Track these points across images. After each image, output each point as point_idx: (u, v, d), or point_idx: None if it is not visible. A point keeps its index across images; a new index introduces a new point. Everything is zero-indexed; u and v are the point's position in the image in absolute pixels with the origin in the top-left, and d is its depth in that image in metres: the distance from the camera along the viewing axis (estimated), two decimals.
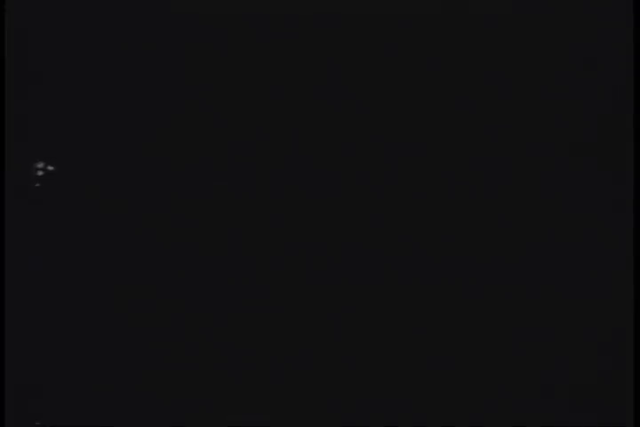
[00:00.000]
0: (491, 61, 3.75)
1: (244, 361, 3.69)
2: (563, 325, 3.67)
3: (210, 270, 3.73)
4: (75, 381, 3.67)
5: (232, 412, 3.66)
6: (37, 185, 3.71)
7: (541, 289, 3.68)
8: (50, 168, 3.72)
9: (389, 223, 3.74)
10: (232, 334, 3.70)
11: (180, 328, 3.70)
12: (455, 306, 3.69)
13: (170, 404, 3.65)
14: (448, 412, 3.63)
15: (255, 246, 3.75)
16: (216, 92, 3.77)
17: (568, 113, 3.75)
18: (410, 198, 3.74)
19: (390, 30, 3.76)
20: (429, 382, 3.65)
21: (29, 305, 3.68)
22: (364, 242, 3.73)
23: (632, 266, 3.61)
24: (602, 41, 3.73)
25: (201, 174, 3.75)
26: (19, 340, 3.67)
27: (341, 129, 3.76)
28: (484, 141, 3.74)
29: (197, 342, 3.69)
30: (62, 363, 3.68)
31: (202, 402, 3.66)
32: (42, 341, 3.69)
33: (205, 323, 3.71)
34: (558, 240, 3.71)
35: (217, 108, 3.77)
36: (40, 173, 3.71)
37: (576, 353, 3.65)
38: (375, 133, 3.75)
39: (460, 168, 3.74)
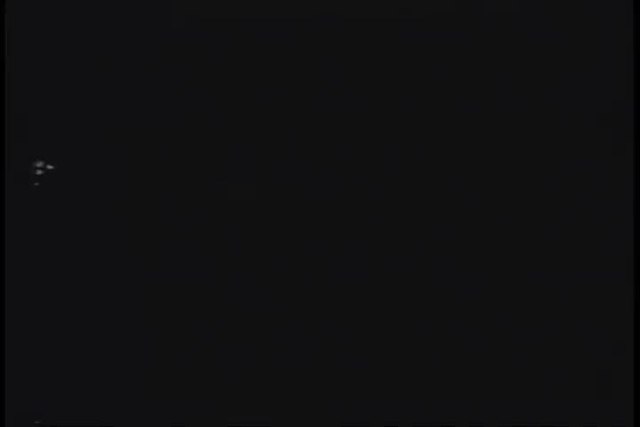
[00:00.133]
0: (490, 61, 3.75)
1: (244, 361, 3.69)
2: (562, 324, 3.67)
3: (210, 270, 3.73)
4: (75, 381, 3.67)
5: (232, 412, 3.66)
6: (36, 184, 3.71)
7: (541, 289, 3.69)
8: (49, 167, 3.71)
9: (389, 224, 3.74)
10: (232, 334, 3.70)
11: (180, 328, 3.70)
12: (455, 306, 3.69)
13: (170, 404, 3.65)
14: (448, 412, 3.63)
15: (255, 246, 3.75)
16: (216, 93, 3.77)
17: (568, 113, 3.75)
18: (410, 199, 3.74)
19: (390, 31, 3.75)
20: (429, 381, 3.65)
21: (29, 305, 3.68)
22: (364, 243, 3.73)
23: (632, 266, 3.62)
24: (602, 41, 3.74)
25: (201, 174, 3.75)
26: (18, 340, 3.66)
27: (342, 130, 3.76)
28: (484, 142, 3.75)
29: (197, 342, 3.69)
30: (62, 363, 3.67)
31: (202, 402, 3.66)
32: (41, 341, 3.68)
33: (205, 323, 3.70)
34: (558, 240, 3.71)
35: (217, 108, 3.77)
36: (39, 172, 3.71)
37: (576, 353, 3.65)
38: (376, 135, 3.75)
39: (459, 168, 3.74)
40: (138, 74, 3.75)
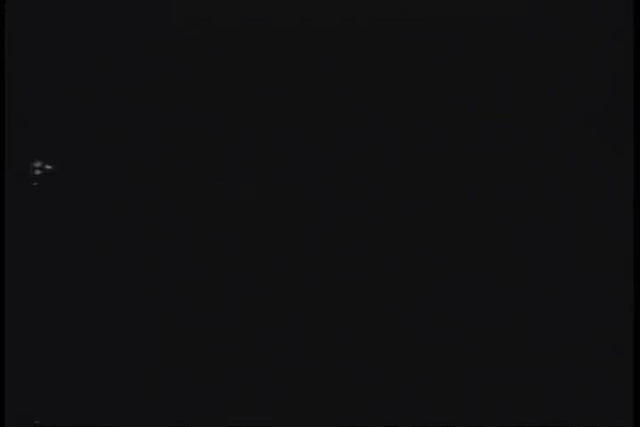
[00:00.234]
0: (489, 61, 3.75)
1: (244, 361, 3.69)
2: (563, 324, 3.68)
3: (209, 270, 3.73)
4: (75, 380, 3.66)
5: (232, 412, 3.66)
6: (35, 184, 3.71)
7: (541, 289, 3.69)
8: (48, 167, 3.71)
9: (389, 224, 3.74)
10: (232, 333, 3.70)
11: (180, 328, 3.69)
12: (454, 306, 3.69)
13: (170, 404, 3.65)
14: (448, 412, 3.63)
15: (255, 246, 3.75)
16: (216, 93, 3.76)
17: (567, 113, 3.75)
18: (410, 198, 3.74)
19: (390, 31, 3.75)
20: (429, 381, 3.65)
21: (29, 305, 3.68)
22: (364, 243, 3.73)
23: (632, 266, 3.62)
24: (602, 41, 3.74)
25: (201, 174, 3.74)
26: (18, 340, 3.66)
27: (341, 130, 3.76)
28: (484, 142, 3.75)
29: (197, 342, 3.69)
30: (62, 362, 3.67)
31: (202, 402, 3.66)
32: (41, 340, 3.68)
33: (205, 323, 3.70)
34: (558, 240, 3.71)
35: (217, 108, 3.77)
36: (38, 172, 3.70)
37: (576, 353, 3.66)
38: (376, 135, 3.75)
39: (459, 167, 3.74)
40: (138, 74, 3.74)
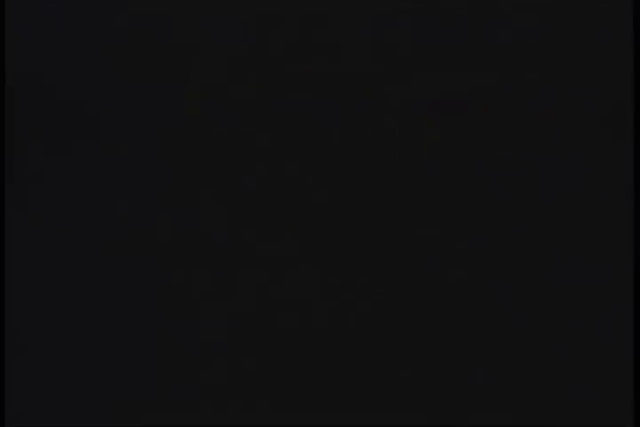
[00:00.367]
0: (488, 61, 3.75)
1: (244, 361, 3.69)
2: (563, 324, 3.67)
3: (209, 270, 3.73)
4: (74, 380, 3.67)
5: (232, 411, 3.66)
6: (35, 184, 3.71)
7: (541, 289, 3.68)
8: (48, 167, 3.71)
9: (389, 224, 3.74)
10: (231, 333, 3.70)
11: (180, 328, 3.70)
12: (454, 306, 3.69)
13: (169, 404, 3.65)
14: (448, 412, 3.63)
15: (254, 246, 3.75)
16: (215, 92, 3.76)
17: (567, 113, 3.75)
18: (410, 199, 3.74)
19: (389, 31, 3.75)
20: (429, 381, 3.65)
21: (29, 305, 3.68)
22: (363, 243, 3.73)
23: (632, 266, 3.61)
24: (602, 40, 3.74)
25: (201, 174, 3.75)
26: (18, 340, 3.66)
27: (341, 130, 3.76)
28: (484, 141, 3.75)
29: (197, 342, 3.69)
30: (61, 363, 3.67)
31: (202, 402, 3.66)
32: (41, 341, 3.68)
33: (205, 322, 3.70)
34: (558, 240, 3.71)
35: (216, 108, 3.77)
36: (38, 172, 3.71)
37: (576, 353, 3.65)
38: (377, 135, 3.75)
39: (459, 167, 3.73)
40: (138, 73, 3.75)
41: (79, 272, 3.70)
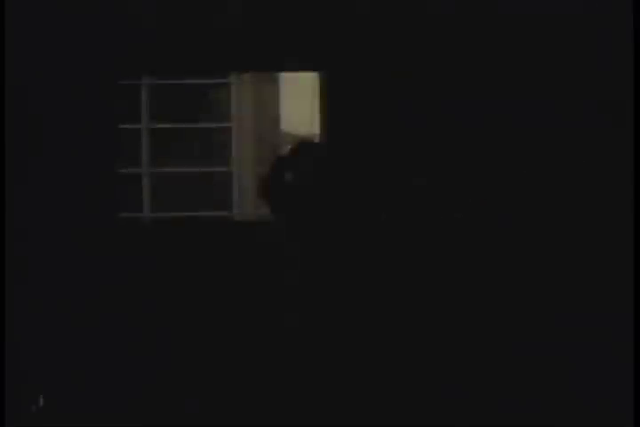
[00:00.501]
0: (488, 61, 3.76)
1: (244, 361, 3.70)
2: (563, 324, 3.68)
3: (208, 269, 3.73)
4: (74, 380, 3.67)
5: (231, 411, 3.67)
6: (35, 183, 3.72)
7: (541, 289, 3.69)
8: (48, 167, 3.72)
9: (390, 224, 3.74)
10: (231, 333, 3.71)
11: (180, 327, 3.70)
12: (454, 305, 3.70)
13: (170, 404, 3.66)
14: (448, 412, 3.64)
15: (255, 245, 3.75)
16: (215, 92, 3.77)
17: (567, 113, 3.75)
18: (411, 198, 3.75)
19: (388, 30, 3.76)
20: (429, 381, 3.66)
21: (29, 304, 3.69)
22: (364, 243, 3.73)
23: (632, 266, 3.62)
24: (601, 40, 3.74)
25: (200, 174, 3.75)
26: (18, 339, 3.67)
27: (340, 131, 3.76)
28: (484, 141, 3.75)
29: (197, 342, 3.70)
30: (61, 363, 3.68)
31: (202, 402, 3.67)
32: (41, 340, 3.69)
33: (205, 323, 3.71)
34: (558, 240, 3.72)
35: (216, 108, 3.77)
36: (38, 172, 3.72)
37: (576, 353, 3.66)
38: (376, 135, 3.75)
39: (459, 167, 3.74)
40: (137, 74, 3.75)
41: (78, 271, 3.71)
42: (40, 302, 3.68)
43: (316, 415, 3.63)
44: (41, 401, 3.59)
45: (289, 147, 3.69)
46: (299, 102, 5.86)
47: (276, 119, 5.90)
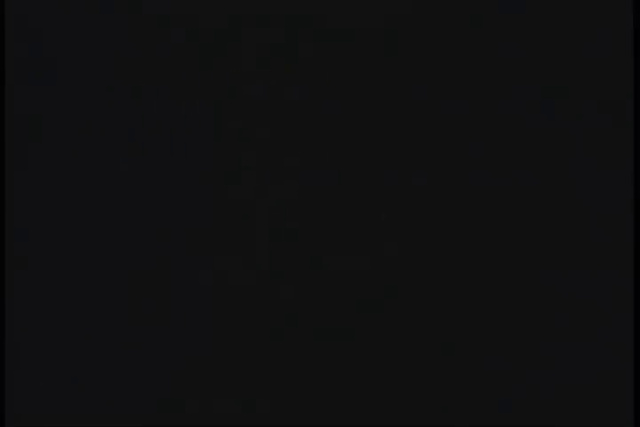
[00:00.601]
0: (487, 61, 3.75)
1: (244, 361, 3.69)
2: (562, 324, 3.67)
3: (208, 270, 3.73)
4: (74, 380, 3.67)
5: (231, 411, 3.66)
6: (35, 183, 3.71)
7: (540, 288, 3.68)
8: (49, 167, 3.72)
9: (389, 224, 3.74)
10: (231, 334, 3.70)
11: (179, 328, 3.70)
12: (453, 305, 3.69)
13: (169, 404, 3.65)
14: (448, 412, 3.63)
15: (254, 246, 3.75)
16: (214, 92, 3.76)
17: (567, 113, 3.74)
18: (411, 198, 3.74)
19: (388, 30, 3.75)
20: (429, 381, 3.65)
21: (29, 305, 3.68)
22: (363, 243, 3.73)
23: (632, 266, 3.61)
24: (601, 39, 3.73)
25: (200, 174, 3.74)
26: (18, 340, 3.67)
27: (338, 130, 3.76)
28: (483, 141, 3.74)
29: (197, 342, 3.69)
30: (61, 363, 3.67)
31: (201, 402, 3.66)
32: (40, 340, 3.68)
33: (204, 323, 3.70)
34: (557, 240, 3.71)
35: (215, 108, 3.77)
36: (39, 172, 3.71)
37: (576, 353, 3.65)
38: (376, 135, 3.75)
39: (458, 166, 3.73)
40: (138, 73, 3.74)
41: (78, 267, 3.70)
42: (40, 302, 3.68)
43: (316, 415, 3.62)
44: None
45: None
46: None
47: None
